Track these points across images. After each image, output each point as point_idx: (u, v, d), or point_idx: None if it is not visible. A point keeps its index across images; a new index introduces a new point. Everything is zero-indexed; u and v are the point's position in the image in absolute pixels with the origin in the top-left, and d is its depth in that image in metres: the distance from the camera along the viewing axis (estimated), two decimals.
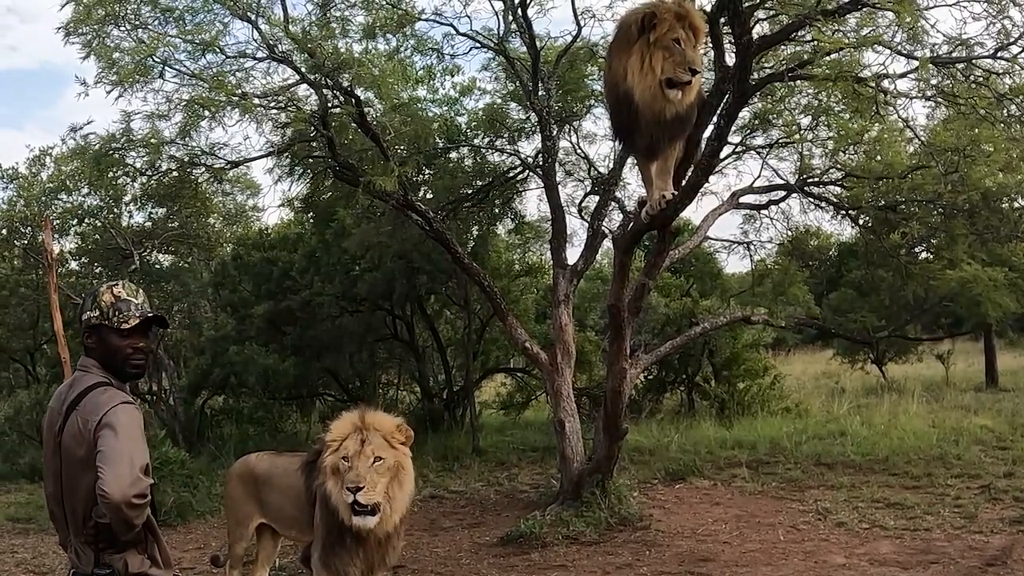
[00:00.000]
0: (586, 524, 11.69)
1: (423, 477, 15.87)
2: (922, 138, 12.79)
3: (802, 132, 14.79)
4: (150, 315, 4.71)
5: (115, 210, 20.04)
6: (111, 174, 14.45)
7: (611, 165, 14.50)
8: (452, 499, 14.52)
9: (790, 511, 12.35)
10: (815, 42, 8.88)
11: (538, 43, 13.53)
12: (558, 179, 14.37)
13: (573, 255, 14.09)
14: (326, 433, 7.41)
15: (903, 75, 10.10)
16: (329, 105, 12.44)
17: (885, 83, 9.92)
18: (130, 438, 4.19)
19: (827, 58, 9.22)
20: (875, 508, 12.13)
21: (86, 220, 20.36)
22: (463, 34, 13.95)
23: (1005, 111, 10.78)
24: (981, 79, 10.22)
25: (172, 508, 13.39)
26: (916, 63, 9.61)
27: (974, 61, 10.07)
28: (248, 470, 8.96)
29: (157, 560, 4.47)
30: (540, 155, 14.16)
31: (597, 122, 18.88)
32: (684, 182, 8.99)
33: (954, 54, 9.89)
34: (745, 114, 14.45)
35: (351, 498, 6.81)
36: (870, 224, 15.74)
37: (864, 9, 8.89)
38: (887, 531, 11.01)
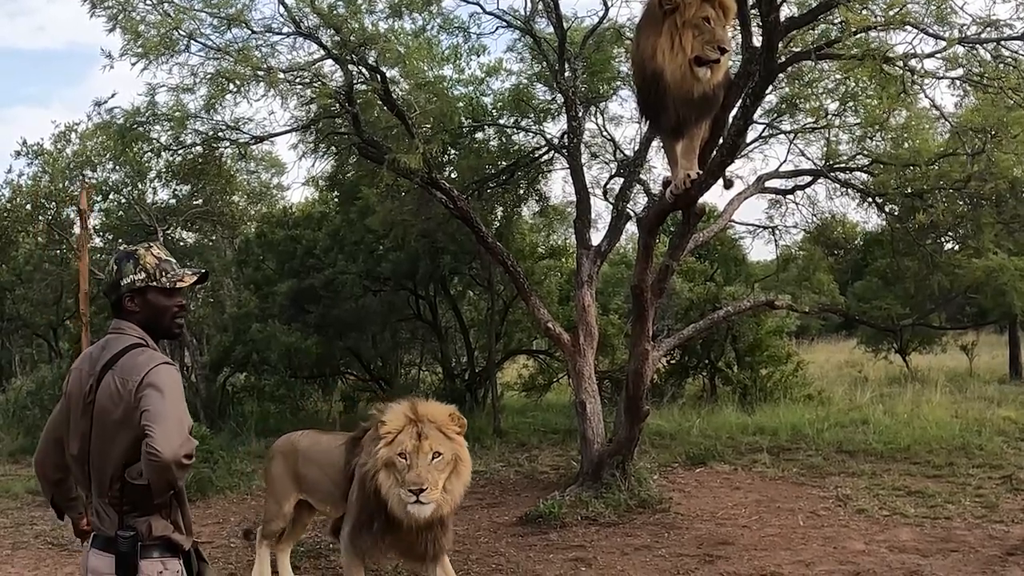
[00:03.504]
0: (605, 505, 11.67)
1: None
2: (949, 119, 12.68)
3: (829, 117, 14.71)
4: (202, 271, 4.78)
5: (139, 186, 20.10)
6: (136, 148, 14.47)
7: (637, 147, 14.46)
8: (472, 479, 14.41)
9: (810, 497, 12.31)
10: (843, 21, 8.80)
11: (564, 23, 13.48)
12: (583, 161, 14.34)
13: (597, 238, 14.07)
14: (378, 417, 7.24)
15: (931, 55, 10.00)
16: (354, 81, 12.42)
17: (913, 62, 9.83)
18: (176, 399, 4.18)
19: (854, 37, 9.15)
20: (896, 496, 12.08)
21: (110, 196, 20.42)
22: (490, 13, 13.96)
23: None
24: (1010, 61, 10.12)
25: (192, 483, 13.41)
26: (944, 43, 9.53)
27: (1002, 43, 9.97)
28: (291, 446, 8.91)
29: (180, 526, 4.45)
30: (566, 136, 14.11)
31: (623, 104, 18.83)
32: (709, 162, 8.95)
33: (982, 35, 9.80)
34: (772, 98, 14.43)
35: (413, 499, 6.71)
36: (896, 212, 15.65)
37: None
38: (907, 519, 10.95)
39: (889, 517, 11.07)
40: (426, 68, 13.75)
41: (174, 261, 4.66)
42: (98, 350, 4.49)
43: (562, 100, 13.99)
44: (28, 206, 21.70)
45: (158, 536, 4.34)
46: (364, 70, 12.47)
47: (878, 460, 14.31)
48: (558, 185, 45.22)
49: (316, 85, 12.38)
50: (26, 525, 12.33)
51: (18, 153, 21.32)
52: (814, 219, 17.07)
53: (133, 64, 11.77)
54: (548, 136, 15.41)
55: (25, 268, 22.58)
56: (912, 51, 9.72)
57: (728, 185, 10.91)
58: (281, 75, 11.85)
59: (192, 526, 4.58)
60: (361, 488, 7.38)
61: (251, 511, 12.73)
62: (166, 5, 11.99)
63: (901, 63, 9.68)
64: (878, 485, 12.69)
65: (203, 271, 4.82)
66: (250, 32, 12.11)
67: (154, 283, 4.52)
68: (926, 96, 11.74)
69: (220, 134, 13.51)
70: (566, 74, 13.53)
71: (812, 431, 16.35)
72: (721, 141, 8.97)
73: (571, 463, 14.70)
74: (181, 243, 21.74)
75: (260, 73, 11.62)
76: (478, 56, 15.05)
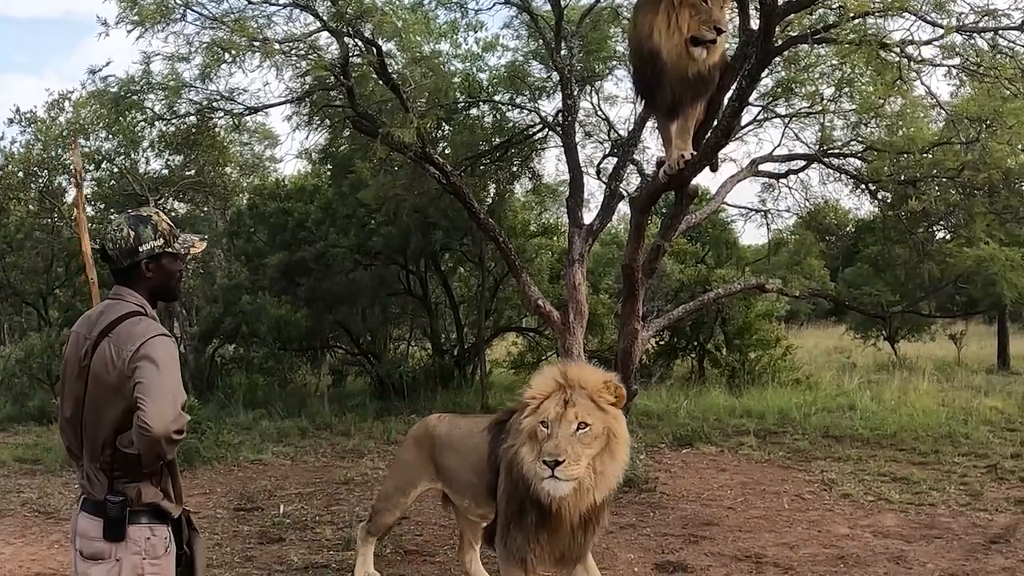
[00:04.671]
0: None
1: None
2: (945, 107, 12.71)
3: (824, 102, 14.71)
4: (207, 238, 4.81)
5: (132, 156, 20.04)
6: (129, 117, 14.42)
7: (631, 127, 14.46)
8: None
9: (796, 480, 12.35)
10: (840, 6, 8.80)
11: (562, 1, 13.45)
12: (577, 139, 14.31)
13: (589, 217, 14.07)
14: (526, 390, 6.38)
15: (928, 42, 10.02)
16: (350, 54, 12.37)
17: (910, 49, 9.84)
18: (170, 372, 4.16)
19: (852, 23, 9.15)
20: (881, 481, 12.12)
21: (103, 165, 20.36)
22: None
23: None
24: (1007, 51, 10.13)
25: (179, 453, 13.31)
26: (942, 31, 9.54)
27: (1000, 33, 9.97)
28: (427, 431, 7.99)
29: (169, 494, 4.44)
30: (560, 114, 14.10)
31: (619, 84, 18.87)
32: (703, 143, 8.95)
33: (980, 24, 9.80)
34: (768, 81, 14.43)
35: (548, 472, 5.79)
36: (889, 199, 15.66)
37: None
38: (892, 504, 10.99)
39: (874, 502, 11.11)
40: (422, 42, 13.74)
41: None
42: (96, 314, 4.48)
43: (558, 78, 13.97)
44: (20, 173, 21.64)
45: (147, 503, 4.34)
46: (360, 43, 12.42)
47: (864, 446, 14.38)
48: (551, 163, 45.30)
49: (311, 57, 12.34)
50: (12, 493, 12.32)
51: (11, 120, 21.31)
52: (807, 204, 17.10)
53: (129, 32, 11.74)
54: (543, 114, 15.45)
55: (16, 236, 22.47)
56: (909, 38, 9.74)
57: (715, 168, 10.95)
58: (277, 46, 11.81)
59: (183, 495, 4.57)
60: (508, 474, 6.55)
61: (238, 482, 12.76)
62: None
63: (898, 49, 9.69)
64: (863, 470, 12.74)
65: (207, 237, 4.83)
66: (246, 2, 12.09)
67: (170, 249, 4.52)
68: (922, 83, 11.78)
69: (214, 104, 13.48)
70: (562, 52, 13.51)
71: (799, 415, 16.44)
72: (716, 122, 8.98)
73: None
74: (173, 213, 21.65)
75: (256, 43, 11.59)
76: (475, 32, 15.06)
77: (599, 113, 15.95)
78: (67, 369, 4.52)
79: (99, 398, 4.30)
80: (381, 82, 12.79)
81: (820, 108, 14.80)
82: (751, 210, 17.62)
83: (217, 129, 16.05)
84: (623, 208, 14.85)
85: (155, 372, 4.10)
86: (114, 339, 4.26)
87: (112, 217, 5.85)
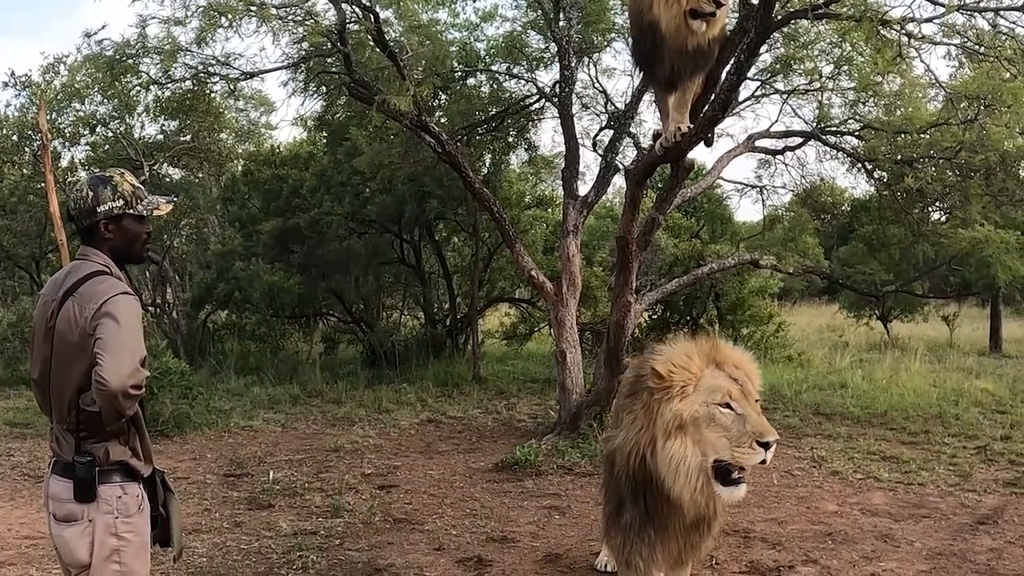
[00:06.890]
0: (581, 455, 11.71)
1: (422, 402, 15.97)
2: (944, 86, 12.68)
3: (823, 80, 14.68)
4: (174, 199, 4.83)
5: (127, 120, 19.95)
6: (124, 81, 14.35)
7: (628, 100, 14.43)
8: (449, 424, 14.55)
9: (785, 457, 12.33)
10: None
11: None
12: (574, 111, 14.30)
13: (584, 190, 14.07)
14: (651, 361, 5.45)
15: (929, 19, 9.98)
16: (347, 20, 12.31)
17: (910, 26, 9.80)
18: (130, 328, 4.17)
19: None
20: (870, 460, 12.12)
21: (98, 129, 20.27)
22: None
23: None
24: (1007, 31, 10.10)
25: (170, 419, 13.41)
26: (943, 9, 9.50)
27: (1001, 13, 9.94)
28: None
29: (138, 452, 4.43)
30: (557, 85, 14.08)
31: (617, 56, 18.79)
32: (700, 116, 8.93)
33: (981, 3, 9.77)
34: (767, 57, 14.40)
35: (759, 456, 5.02)
36: (885, 179, 15.66)
37: None
38: (881, 483, 10.99)
39: (863, 480, 11.11)
40: (420, 10, 13.67)
41: (143, 188, 4.65)
42: (63, 275, 4.49)
43: (555, 49, 13.95)
44: (15, 137, 21.58)
45: (116, 461, 4.34)
46: (357, 9, 12.37)
47: (854, 424, 14.38)
48: (547, 135, 45.45)
49: (308, 22, 12.28)
50: (3, 456, 12.33)
51: (5, 84, 21.23)
52: (803, 181, 17.12)
53: None
54: (540, 85, 15.38)
55: (10, 200, 22.44)
56: (910, 15, 9.70)
57: (709, 143, 10.92)
58: (273, 11, 11.76)
59: (152, 454, 4.55)
60: (609, 469, 5.91)
61: (228, 448, 12.76)
62: None
63: (898, 27, 9.65)
64: (853, 448, 12.74)
65: (175, 199, 4.81)
66: None
67: (131, 211, 4.50)
68: (922, 61, 11.77)
69: (210, 69, 13.42)
70: (561, 23, 13.48)
71: (790, 392, 16.43)
72: (714, 96, 8.95)
73: (549, 412, 14.76)
74: (167, 179, 21.63)
75: (252, 8, 11.53)
76: (473, 1, 15.00)
77: (596, 85, 15.91)
78: (35, 332, 4.54)
79: (64, 358, 4.32)
80: (378, 49, 12.74)
81: (819, 85, 14.78)
82: (747, 186, 17.67)
83: (212, 94, 15.99)
84: (619, 181, 14.81)
85: (115, 328, 4.13)
86: (78, 298, 4.29)
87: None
